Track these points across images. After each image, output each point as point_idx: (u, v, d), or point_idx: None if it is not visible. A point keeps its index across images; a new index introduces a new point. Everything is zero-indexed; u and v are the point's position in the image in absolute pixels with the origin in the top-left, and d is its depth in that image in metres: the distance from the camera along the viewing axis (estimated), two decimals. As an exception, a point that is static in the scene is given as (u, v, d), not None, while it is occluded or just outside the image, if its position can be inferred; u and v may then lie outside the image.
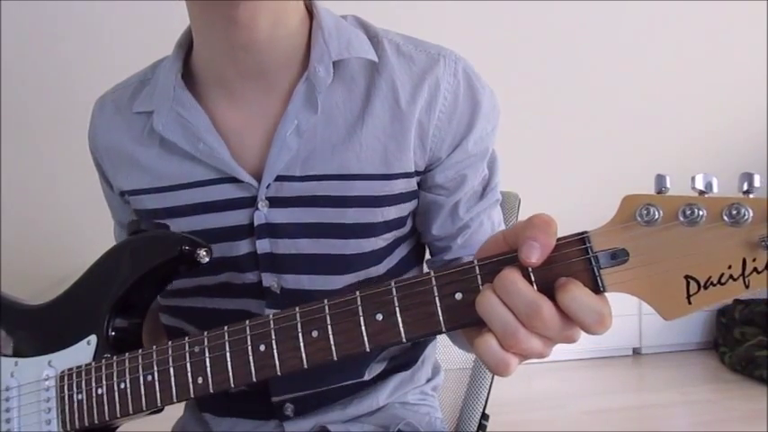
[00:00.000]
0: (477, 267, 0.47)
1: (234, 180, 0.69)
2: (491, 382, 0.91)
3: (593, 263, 0.44)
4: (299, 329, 0.52)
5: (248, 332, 0.54)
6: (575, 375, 2.62)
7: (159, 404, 0.59)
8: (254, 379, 0.54)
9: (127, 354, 0.61)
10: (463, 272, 0.47)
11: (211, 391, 0.56)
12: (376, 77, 0.69)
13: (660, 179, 0.44)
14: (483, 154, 0.72)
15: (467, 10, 2.32)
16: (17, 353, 0.69)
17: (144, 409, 0.59)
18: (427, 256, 0.81)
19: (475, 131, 0.70)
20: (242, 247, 0.70)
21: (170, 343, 0.58)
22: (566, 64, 2.58)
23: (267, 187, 0.68)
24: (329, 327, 0.51)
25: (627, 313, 3.19)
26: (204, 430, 0.79)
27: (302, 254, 0.69)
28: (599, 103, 2.69)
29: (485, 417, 0.87)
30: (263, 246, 0.69)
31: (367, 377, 0.75)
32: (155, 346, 0.59)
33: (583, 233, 0.44)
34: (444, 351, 0.93)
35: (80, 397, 0.63)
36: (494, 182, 0.75)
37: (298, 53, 0.69)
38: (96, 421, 0.61)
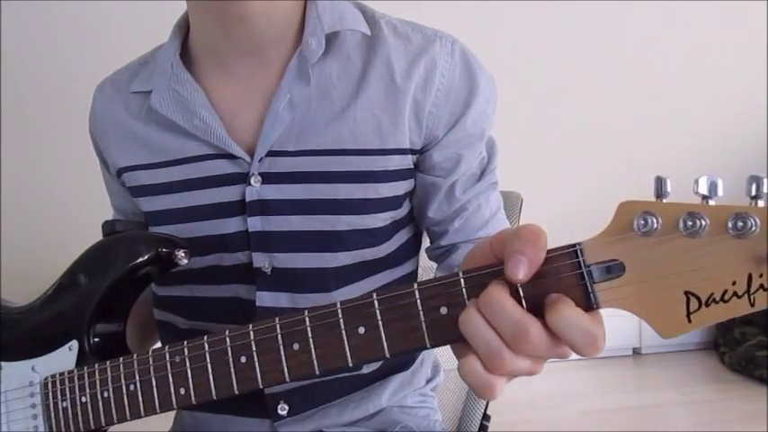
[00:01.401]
0: (462, 280, 0.44)
1: (228, 156, 0.69)
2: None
3: (586, 277, 0.41)
4: (280, 341, 0.50)
5: (228, 343, 0.52)
6: (575, 375, 2.60)
7: (143, 414, 0.57)
8: (237, 391, 0.52)
9: (108, 362, 0.59)
10: (448, 284, 0.44)
11: (194, 402, 0.54)
12: (371, 55, 0.69)
13: (660, 183, 0.41)
14: (480, 135, 0.71)
15: (469, 9, 2.27)
16: (2, 357, 0.67)
17: (128, 418, 0.58)
18: (427, 243, 0.79)
19: (472, 110, 0.69)
20: (232, 225, 0.69)
21: (150, 352, 0.57)
22: (568, 63, 2.57)
23: (260, 161, 0.68)
24: (310, 339, 0.49)
25: (627, 313, 3.14)
26: (200, 431, 0.78)
27: (294, 231, 0.68)
28: (601, 103, 2.67)
29: (486, 417, 0.85)
30: (255, 224, 0.68)
31: (366, 370, 0.73)
32: (135, 355, 0.57)
33: (575, 245, 0.41)
34: (445, 351, 0.90)
35: (65, 404, 0.61)
36: (492, 165, 0.74)
37: (292, 29, 0.69)
38: (82, 429, 0.60)
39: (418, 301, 0.45)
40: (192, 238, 0.69)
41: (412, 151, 0.69)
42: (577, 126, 2.69)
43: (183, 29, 0.74)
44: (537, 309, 0.41)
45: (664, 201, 0.40)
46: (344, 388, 0.74)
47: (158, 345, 0.81)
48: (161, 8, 1.86)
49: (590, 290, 0.41)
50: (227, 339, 0.52)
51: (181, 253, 0.60)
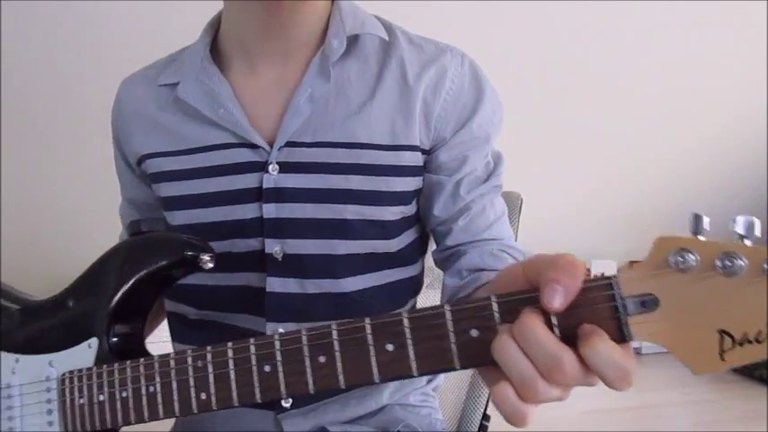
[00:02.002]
0: (494, 304, 0.44)
1: (249, 145, 0.73)
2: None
3: (620, 310, 0.41)
4: (306, 353, 0.50)
5: (252, 351, 0.52)
6: (575, 375, 2.64)
7: (161, 416, 0.57)
8: (259, 400, 0.52)
9: (128, 362, 0.59)
10: (480, 308, 0.45)
11: (215, 408, 0.54)
12: (387, 59, 0.74)
13: (697, 220, 0.41)
14: (486, 138, 0.75)
15: (471, 10, 2.28)
16: (18, 349, 0.67)
17: (146, 420, 0.58)
18: (433, 247, 0.80)
19: (479, 116, 0.74)
20: (248, 211, 0.72)
21: (172, 354, 0.57)
22: (568, 63, 2.58)
23: (279, 150, 0.71)
24: (337, 353, 0.49)
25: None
26: (205, 422, 0.79)
27: (306, 218, 0.72)
28: (601, 103, 2.69)
29: (486, 417, 0.86)
30: (270, 210, 0.71)
31: None
32: (156, 356, 0.58)
33: (610, 277, 0.42)
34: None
35: (82, 401, 0.61)
36: (498, 171, 0.78)
37: (318, 33, 0.75)
38: (98, 428, 0.60)
39: (449, 321, 0.45)
40: (208, 222, 0.73)
41: (422, 151, 0.73)
42: (577, 126, 2.70)
43: (215, 27, 0.79)
44: (569, 338, 0.41)
45: (700, 238, 0.41)
46: (347, 390, 0.74)
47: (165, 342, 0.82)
48: (161, 8, 1.86)
49: (623, 322, 0.41)
50: (252, 347, 0.52)
51: (206, 257, 0.61)
